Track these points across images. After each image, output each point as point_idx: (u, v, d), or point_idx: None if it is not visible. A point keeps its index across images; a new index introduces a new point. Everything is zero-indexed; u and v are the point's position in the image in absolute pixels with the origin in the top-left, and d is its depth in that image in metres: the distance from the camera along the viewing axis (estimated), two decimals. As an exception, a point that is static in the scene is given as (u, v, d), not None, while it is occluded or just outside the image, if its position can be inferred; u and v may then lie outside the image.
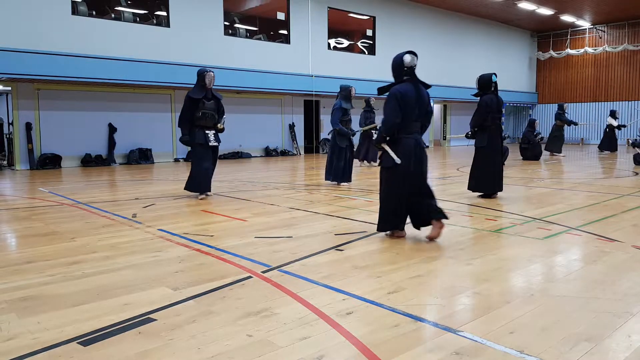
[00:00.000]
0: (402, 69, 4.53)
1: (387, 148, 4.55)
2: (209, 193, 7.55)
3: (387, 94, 4.60)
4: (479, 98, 7.11)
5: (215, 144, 7.37)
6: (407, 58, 4.50)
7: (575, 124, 16.47)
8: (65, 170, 12.92)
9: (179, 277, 3.54)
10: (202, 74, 7.26)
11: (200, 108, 7.20)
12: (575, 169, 12.35)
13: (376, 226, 4.74)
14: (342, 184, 9.01)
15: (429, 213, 4.52)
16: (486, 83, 7.02)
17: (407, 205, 4.54)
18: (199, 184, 7.32)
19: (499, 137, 7.15)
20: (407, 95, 4.43)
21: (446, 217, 4.50)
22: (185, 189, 7.49)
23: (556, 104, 20.62)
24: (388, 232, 4.71)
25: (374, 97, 13.51)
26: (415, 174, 4.51)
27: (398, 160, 4.43)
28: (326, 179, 9.05)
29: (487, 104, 6.90)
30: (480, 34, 24.21)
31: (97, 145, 14.29)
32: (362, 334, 2.53)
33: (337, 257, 4.05)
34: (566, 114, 16.55)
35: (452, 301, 3.04)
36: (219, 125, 7.39)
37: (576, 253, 4.23)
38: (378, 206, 4.75)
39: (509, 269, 3.70)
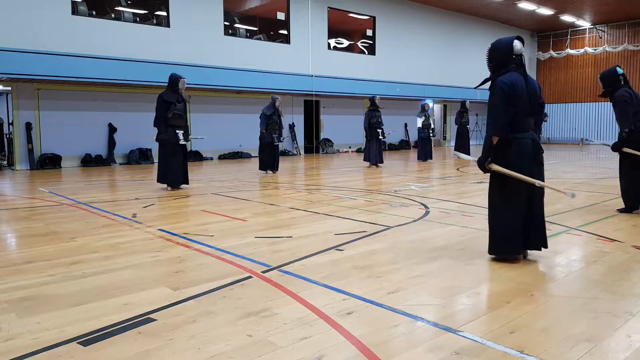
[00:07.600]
0: (510, 57, 3.80)
1: (496, 168, 3.80)
2: (181, 186, 8.47)
3: (480, 87, 3.97)
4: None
5: (184, 142, 8.29)
6: (518, 45, 3.80)
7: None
8: (65, 170, 12.92)
9: (179, 277, 3.54)
10: (176, 79, 8.16)
11: (172, 109, 8.12)
12: (575, 169, 12.35)
13: (488, 248, 3.97)
14: (269, 172, 11.23)
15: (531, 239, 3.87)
16: None
17: (523, 224, 3.80)
18: (167, 176, 8.26)
19: None
20: (516, 86, 3.71)
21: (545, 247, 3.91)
22: (158, 181, 8.41)
23: (556, 104, 20.60)
24: (494, 256, 3.95)
25: (379, 95, 13.55)
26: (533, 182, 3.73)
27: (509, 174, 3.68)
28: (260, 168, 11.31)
29: None
30: (480, 34, 24.20)
31: (97, 145, 14.30)
32: (362, 334, 2.53)
33: (337, 257, 4.05)
34: None
35: (452, 301, 3.04)
36: (189, 136, 8.51)
37: (576, 253, 4.22)
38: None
39: (509, 269, 3.70)
